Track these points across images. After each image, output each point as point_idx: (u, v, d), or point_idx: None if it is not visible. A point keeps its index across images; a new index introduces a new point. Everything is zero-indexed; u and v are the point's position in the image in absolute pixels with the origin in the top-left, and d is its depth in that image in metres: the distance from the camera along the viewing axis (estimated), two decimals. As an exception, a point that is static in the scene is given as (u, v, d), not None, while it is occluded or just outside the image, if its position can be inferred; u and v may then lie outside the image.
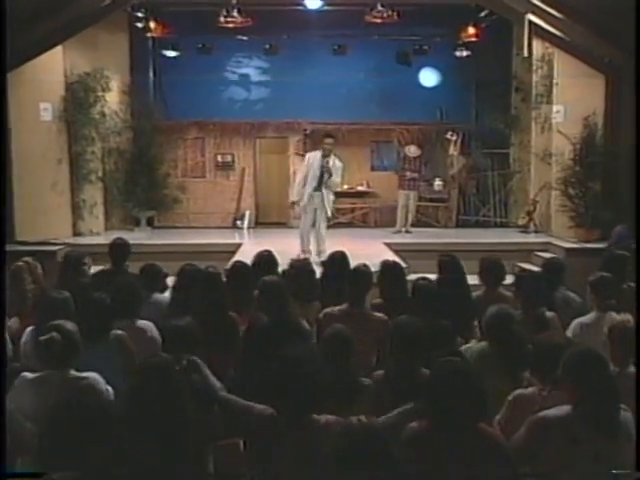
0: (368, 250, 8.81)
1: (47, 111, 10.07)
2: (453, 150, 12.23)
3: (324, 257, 6.96)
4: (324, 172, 8.71)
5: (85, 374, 3.52)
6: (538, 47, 10.60)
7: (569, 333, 4.71)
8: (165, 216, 12.23)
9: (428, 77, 12.93)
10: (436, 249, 8.48)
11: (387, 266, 5.39)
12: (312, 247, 8.96)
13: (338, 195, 10.09)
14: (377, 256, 7.01)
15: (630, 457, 2.90)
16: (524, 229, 11.20)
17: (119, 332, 4.17)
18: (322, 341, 4.00)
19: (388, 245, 9.78)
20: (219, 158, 12.75)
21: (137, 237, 10.33)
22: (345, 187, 12.53)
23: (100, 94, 10.63)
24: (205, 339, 3.83)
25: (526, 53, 10.24)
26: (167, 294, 5.45)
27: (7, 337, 4.32)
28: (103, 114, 10.78)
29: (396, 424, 3.00)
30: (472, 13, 11.37)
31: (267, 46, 12.43)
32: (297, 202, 9.05)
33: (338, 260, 5.76)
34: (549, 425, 2.96)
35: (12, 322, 4.77)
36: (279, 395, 3.01)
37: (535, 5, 9.36)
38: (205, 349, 3.79)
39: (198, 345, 3.71)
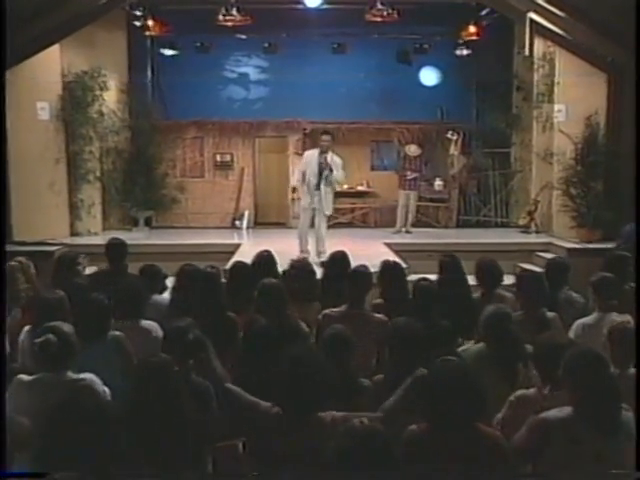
0: (368, 250, 8.80)
1: (44, 110, 10.01)
2: (454, 150, 12.21)
3: (324, 257, 6.93)
4: (323, 168, 8.57)
5: (82, 375, 3.52)
6: (539, 46, 10.56)
7: (571, 334, 4.69)
8: (163, 216, 12.18)
9: (428, 76, 12.90)
10: (436, 249, 8.51)
11: (387, 266, 5.40)
12: (310, 247, 8.87)
13: (338, 195, 10.06)
14: (377, 256, 6.99)
15: (630, 457, 2.88)
16: (525, 229, 11.16)
17: (117, 333, 4.16)
18: (321, 341, 3.99)
19: (388, 245, 9.74)
20: (218, 158, 12.72)
21: (135, 237, 10.30)
22: (345, 187, 12.50)
23: (98, 93, 10.58)
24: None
25: (527, 52, 10.23)
26: (166, 295, 5.43)
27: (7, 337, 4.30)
28: (101, 113, 10.73)
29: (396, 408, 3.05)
30: (473, 11, 11.36)
31: (266, 45, 12.40)
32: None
33: (339, 260, 5.76)
34: (550, 427, 2.95)
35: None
36: (281, 394, 3.02)
37: (536, 3, 9.32)
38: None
39: (198, 346, 3.68)
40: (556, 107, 10.26)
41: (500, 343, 3.94)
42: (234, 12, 10.52)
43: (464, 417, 2.83)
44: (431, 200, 12.60)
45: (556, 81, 10.23)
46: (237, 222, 12.49)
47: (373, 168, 13.24)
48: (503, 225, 12.32)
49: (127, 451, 2.72)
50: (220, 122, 12.57)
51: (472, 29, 11.40)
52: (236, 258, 7.62)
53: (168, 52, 12.38)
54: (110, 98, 11.03)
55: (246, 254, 7.11)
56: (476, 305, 5.10)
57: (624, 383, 3.28)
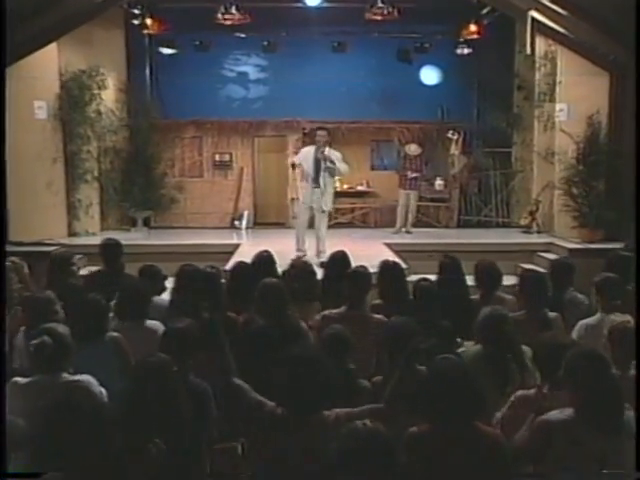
0: (368, 251, 8.76)
1: (42, 109, 9.96)
2: (454, 149, 12.17)
3: (324, 257, 6.89)
4: (320, 162, 8.41)
5: (77, 377, 3.52)
6: (541, 44, 10.53)
7: (574, 335, 4.65)
8: (162, 216, 12.14)
9: (429, 75, 12.86)
10: (437, 249, 8.48)
11: (387, 266, 5.37)
12: (308, 246, 8.78)
13: (338, 195, 10.04)
14: (377, 257, 6.91)
15: (631, 457, 2.88)
16: (526, 229, 11.12)
17: (115, 334, 4.16)
18: (321, 341, 3.97)
19: (388, 245, 9.71)
20: (217, 157, 12.69)
21: (134, 237, 10.29)
22: (345, 187, 12.48)
23: (96, 92, 10.54)
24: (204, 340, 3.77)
25: (529, 51, 10.22)
26: (165, 296, 5.38)
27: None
28: (99, 112, 10.69)
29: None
30: (474, 10, 11.33)
31: (265, 43, 12.35)
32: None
33: (339, 260, 5.74)
34: (552, 429, 2.95)
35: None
36: (281, 395, 3.02)
37: (538, 2, 9.25)
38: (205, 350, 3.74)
39: (198, 346, 3.67)
40: (557, 106, 10.23)
41: (496, 345, 3.92)
42: (233, 10, 10.47)
43: (463, 414, 2.82)
44: (432, 200, 12.56)
45: (558, 80, 10.20)
46: (236, 222, 12.45)
47: (373, 168, 13.20)
48: (504, 225, 12.27)
49: (125, 451, 2.71)
50: (219, 121, 12.53)
51: (473, 28, 11.36)
52: (235, 258, 7.59)
53: (166, 51, 12.31)
54: (108, 97, 10.99)
55: (245, 254, 7.09)
56: (475, 306, 5.06)
57: (625, 383, 3.26)
